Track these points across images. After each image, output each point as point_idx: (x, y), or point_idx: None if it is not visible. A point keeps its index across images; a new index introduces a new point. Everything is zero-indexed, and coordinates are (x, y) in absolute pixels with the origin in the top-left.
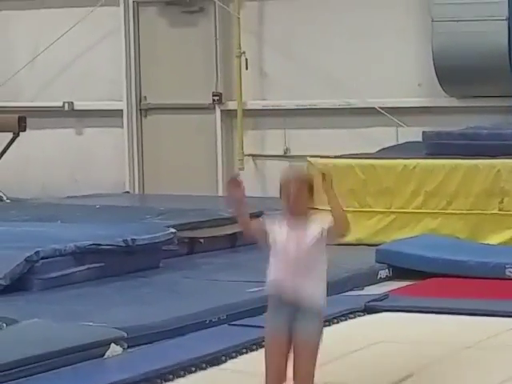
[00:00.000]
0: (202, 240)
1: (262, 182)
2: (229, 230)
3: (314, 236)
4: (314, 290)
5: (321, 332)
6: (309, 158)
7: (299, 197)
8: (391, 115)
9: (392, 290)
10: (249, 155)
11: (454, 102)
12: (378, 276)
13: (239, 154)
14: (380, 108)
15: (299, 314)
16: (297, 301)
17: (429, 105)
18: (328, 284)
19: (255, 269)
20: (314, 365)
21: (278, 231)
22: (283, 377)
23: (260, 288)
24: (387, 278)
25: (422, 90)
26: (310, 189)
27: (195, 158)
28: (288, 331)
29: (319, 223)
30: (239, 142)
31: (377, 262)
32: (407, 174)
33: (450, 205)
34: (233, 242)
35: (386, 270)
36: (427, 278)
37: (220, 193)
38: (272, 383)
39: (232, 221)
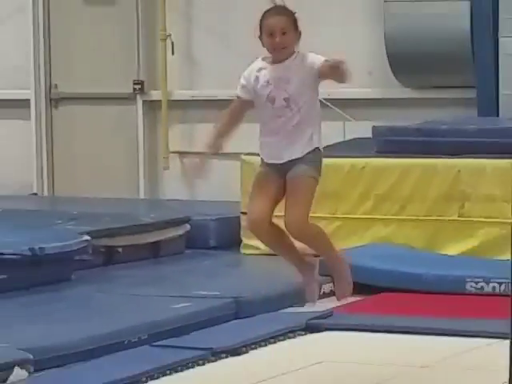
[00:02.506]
0: (120, 249)
1: (190, 183)
2: (151, 237)
3: (306, 76)
4: (305, 144)
5: (319, 171)
6: (243, 156)
7: (285, 34)
8: (337, 107)
9: (337, 307)
10: (175, 152)
11: (409, 93)
12: (322, 290)
13: (164, 150)
14: (324, 99)
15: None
16: (287, 155)
17: (380, 96)
18: (265, 299)
19: (181, 282)
20: (308, 207)
21: (263, 73)
22: (265, 216)
23: (186, 304)
24: (331, 293)
25: (373, 79)
26: (295, 24)
27: (113, 155)
28: (279, 178)
29: (309, 60)
30: (164, 138)
31: (320, 274)
32: (355, 174)
33: (403, 210)
34: (155, 252)
35: (331, 284)
36: (377, 292)
37: (142, 195)
38: (251, 223)
39: (155, 227)
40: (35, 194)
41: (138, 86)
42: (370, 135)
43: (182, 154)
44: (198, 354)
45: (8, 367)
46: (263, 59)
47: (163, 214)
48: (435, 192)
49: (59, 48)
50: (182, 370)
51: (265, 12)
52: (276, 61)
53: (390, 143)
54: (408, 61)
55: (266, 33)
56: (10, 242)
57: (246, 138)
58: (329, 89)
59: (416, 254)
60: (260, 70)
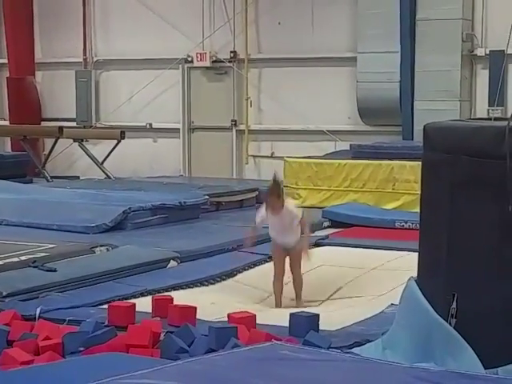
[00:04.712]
0: (223, 203)
1: (258, 171)
2: (238, 197)
3: (290, 220)
4: (294, 239)
5: (300, 253)
6: (285, 158)
7: (274, 203)
8: (332, 134)
9: (331, 234)
10: (251, 156)
11: (368, 128)
12: (323, 225)
13: (245, 155)
14: (326, 130)
15: (289, 247)
16: (286, 245)
17: (354, 129)
18: None
19: (253, 219)
20: (301, 267)
21: (267, 216)
22: (284, 271)
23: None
24: (328, 227)
25: (351, 120)
26: (279, 195)
27: (220, 157)
28: (285, 253)
29: (293, 211)
30: (245, 148)
31: (322, 217)
32: (340, 168)
33: (364, 186)
34: (241, 204)
35: (328, 222)
36: (351, 227)
37: (234, 176)
38: (278, 275)
39: (240, 192)
40: (182, 175)
41: (233, 122)
42: (348, 148)
43: (254, 156)
44: (264, 257)
45: (167, 260)
46: (267, 211)
47: (244, 186)
48: (380, 177)
49: (195, 102)
50: (254, 267)
51: (268, 188)
52: (273, 213)
53: (358, 152)
54: (368, 111)
55: (266, 200)
56: (170, 198)
57: (286, 148)
58: (328, 124)
59: (370, 208)
60: (268, 215)
